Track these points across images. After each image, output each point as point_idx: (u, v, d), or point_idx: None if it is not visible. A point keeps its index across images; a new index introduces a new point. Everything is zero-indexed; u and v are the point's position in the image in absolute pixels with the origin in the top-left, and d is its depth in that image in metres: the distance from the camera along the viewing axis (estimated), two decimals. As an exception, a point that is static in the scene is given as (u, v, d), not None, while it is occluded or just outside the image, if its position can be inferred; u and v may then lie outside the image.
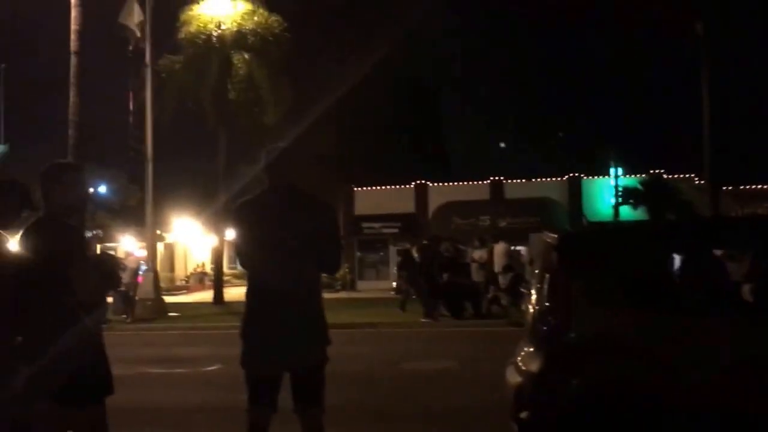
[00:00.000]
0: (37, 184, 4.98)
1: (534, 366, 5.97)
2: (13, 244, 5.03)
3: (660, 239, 6.73)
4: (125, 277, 23.72)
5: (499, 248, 22.47)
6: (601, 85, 59.87)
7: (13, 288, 4.76)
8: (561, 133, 58.87)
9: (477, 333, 18.51)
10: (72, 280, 4.68)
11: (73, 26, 22.31)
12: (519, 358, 6.39)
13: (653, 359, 5.70)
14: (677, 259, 7.08)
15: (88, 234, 38.79)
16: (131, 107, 26.96)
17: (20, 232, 4.91)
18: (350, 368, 11.57)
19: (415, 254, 24.47)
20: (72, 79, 22.37)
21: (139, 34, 26.00)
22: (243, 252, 5.48)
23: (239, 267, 6.19)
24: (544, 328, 6.05)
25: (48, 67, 49.29)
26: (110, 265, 5.28)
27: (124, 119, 27.42)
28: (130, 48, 26.41)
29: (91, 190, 40.74)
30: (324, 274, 5.65)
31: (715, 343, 5.67)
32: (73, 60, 22.38)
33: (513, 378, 6.35)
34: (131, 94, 27.02)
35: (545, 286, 6.15)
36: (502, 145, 61.90)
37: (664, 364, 5.66)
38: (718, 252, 7.32)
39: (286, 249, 5.21)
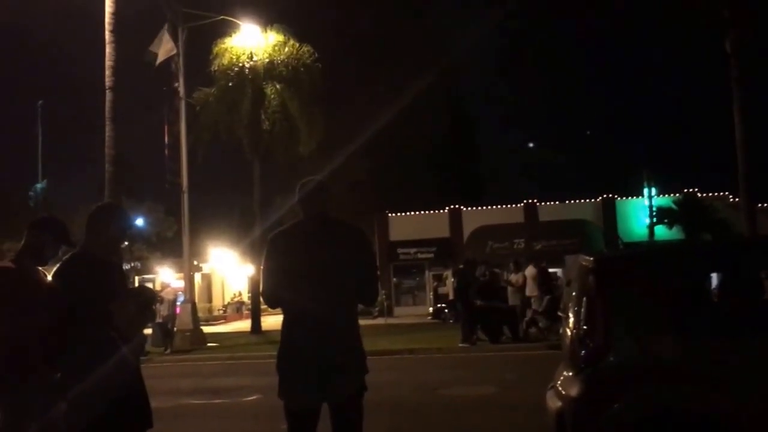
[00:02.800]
0: (72, 221, 5.05)
1: (574, 391, 5.92)
2: (50, 278, 5.10)
3: (696, 260, 6.66)
4: (163, 309, 23.88)
5: (528, 272, 22.39)
6: (633, 106, 59.73)
7: (51, 322, 4.81)
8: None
9: (515, 357, 18.37)
10: (111, 313, 4.73)
11: (108, 62, 22.61)
12: (559, 383, 6.35)
13: (694, 382, 5.64)
14: (715, 279, 7.01)
15: (126, 266, 39.25)
16: (166, 140, 27.19)
17: (56, 268, 4.97)
18: (389, 395, 11.55)
19: (452, 278, 24.28)
20: (107, 114, 22.66)
21: (162, 58, 26.21)
22: (273, 282, 5.35)
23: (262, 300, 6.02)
24: (583, 352, 5.99)
25: (84, 103, 50.21)
26: (147, 297, 5.33)
27: (160, 152, 27.66)
28: (166, 86, 26.68)
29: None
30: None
31: (756, 363, 5.61)
32: (108, 95, 22.68)
33: (553, 403, 6.30)
34: (166, 128, 27.27)
35: (582, 310, 6.10)
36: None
37: (704, 387, 5.60)
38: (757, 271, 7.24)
39: (322, 278, 5.18)
